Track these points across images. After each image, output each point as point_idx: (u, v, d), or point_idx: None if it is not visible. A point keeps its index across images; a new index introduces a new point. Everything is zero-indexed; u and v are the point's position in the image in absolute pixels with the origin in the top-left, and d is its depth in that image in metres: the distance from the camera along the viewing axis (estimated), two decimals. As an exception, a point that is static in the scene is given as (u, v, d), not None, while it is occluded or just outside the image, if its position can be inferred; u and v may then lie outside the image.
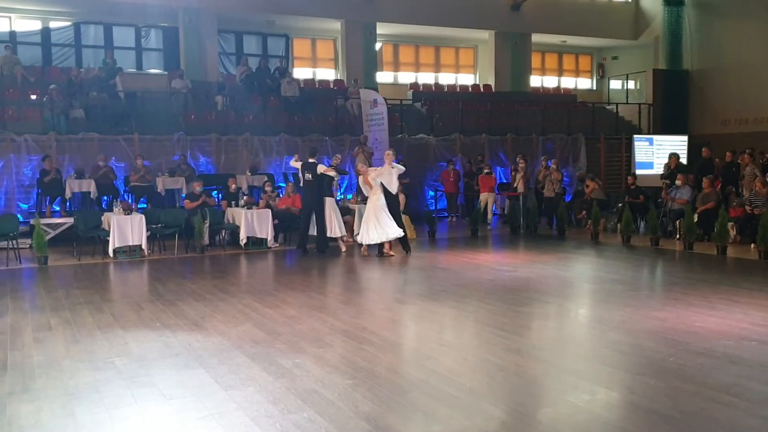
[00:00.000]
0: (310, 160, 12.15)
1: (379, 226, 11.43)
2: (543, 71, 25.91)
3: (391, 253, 11.69)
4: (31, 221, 12.10)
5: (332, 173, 12.22)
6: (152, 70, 20.36)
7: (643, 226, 14.26)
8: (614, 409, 4.72)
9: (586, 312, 7.94)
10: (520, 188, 15.78)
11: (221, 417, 4.45)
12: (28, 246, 12.05)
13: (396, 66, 23.81)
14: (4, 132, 14.82)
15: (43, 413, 4.56)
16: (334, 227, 12.28)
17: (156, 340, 6.39)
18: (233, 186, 14.06)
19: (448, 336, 6.80)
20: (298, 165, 12.54)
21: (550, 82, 26.07)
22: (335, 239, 12.47)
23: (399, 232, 11.59)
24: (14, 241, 11.61)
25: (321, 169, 12.00)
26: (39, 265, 11.02)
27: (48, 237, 11.83)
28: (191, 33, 19.31)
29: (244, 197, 13.51)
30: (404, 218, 14.12)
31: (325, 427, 4.26)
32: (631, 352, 5.96)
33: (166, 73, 19.66)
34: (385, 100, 17.91)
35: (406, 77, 23.76)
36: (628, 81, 25.17)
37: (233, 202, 13.35)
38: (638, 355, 5.87)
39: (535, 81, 24.97)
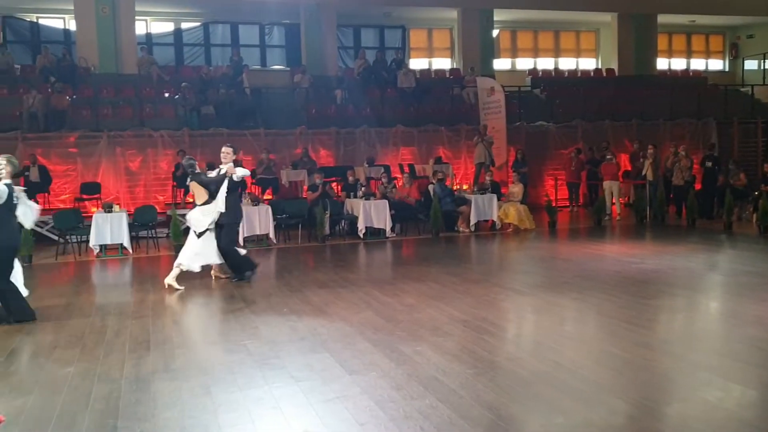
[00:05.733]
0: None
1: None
2: (670, 53, 24.66)
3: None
4: (168, 212, 12.92)
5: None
6: (275, 66, 21.13)
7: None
8: (751, 408, 4.47)
9: (718, 306, 7.54)
10: (649, 176, 15.07)
11: (347, 400, 4.61)
12: (165, 235, 12.88)
13: (513, 52, 23.41)
14: (143, 128, 15.88)
15: (183, 391, 4.89)
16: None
17: (284, 325, 6.68)
18: (351, 177, 14.37)
19: (571, 328, 6.66)
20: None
21: (678, 64, 24.77)
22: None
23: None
24: (153, 231, 12.53)
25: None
26: (175, 252, 11.72)
27: (183, 227, 12.57)
28: (312, 29, 19.88)
29: (362, 188, 13.79)
30: (522, 208, 13.95)
31: (447, 414, 4.31)
32: (770, 348, 5.61)
33: (288, 68, 20.36)
34: (503, 87, 17.65)
35: (524, 63, 23.33)
36: (766, 61, 23.43)
37: (352, 193, 13.66)
38: (779, 352, 5.52)
39: (662, 64, 23.79)
